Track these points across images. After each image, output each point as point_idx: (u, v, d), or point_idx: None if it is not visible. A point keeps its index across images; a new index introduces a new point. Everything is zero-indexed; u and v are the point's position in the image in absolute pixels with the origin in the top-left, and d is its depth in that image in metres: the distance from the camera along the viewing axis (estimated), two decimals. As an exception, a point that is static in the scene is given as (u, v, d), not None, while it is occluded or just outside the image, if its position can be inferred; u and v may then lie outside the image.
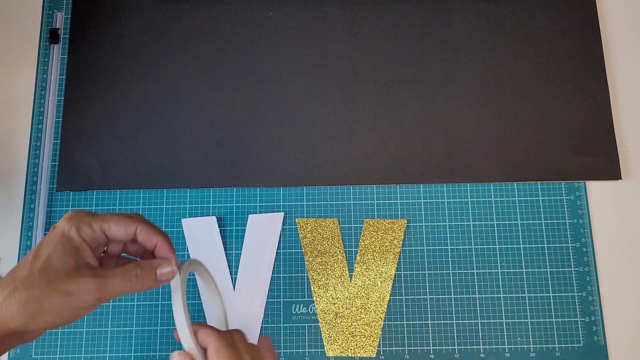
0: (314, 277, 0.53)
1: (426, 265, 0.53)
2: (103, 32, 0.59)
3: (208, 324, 0.37)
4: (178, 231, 0.54)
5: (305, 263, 0.54)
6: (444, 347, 0.52)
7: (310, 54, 0.58)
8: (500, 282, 0.53)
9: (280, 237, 0.54)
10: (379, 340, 0.52)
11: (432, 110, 0.57)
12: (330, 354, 0.52)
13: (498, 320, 0.52)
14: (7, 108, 0.58)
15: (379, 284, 0.53)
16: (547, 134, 0.56)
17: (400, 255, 0.54)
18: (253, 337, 0.52)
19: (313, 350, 0.52)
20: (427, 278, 0.53)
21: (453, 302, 0.53)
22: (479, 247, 0.54)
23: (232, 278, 0.53)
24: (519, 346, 0.51)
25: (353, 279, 0.53)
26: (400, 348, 0.52)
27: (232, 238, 0.54)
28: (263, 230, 0.54)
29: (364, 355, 0.51)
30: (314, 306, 0.53)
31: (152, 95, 0.58)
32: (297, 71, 0.58)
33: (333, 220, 0.55)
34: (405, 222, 0.54)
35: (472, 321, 0.52)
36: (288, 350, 0.52)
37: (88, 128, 0.57)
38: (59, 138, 0.57)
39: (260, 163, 0.56)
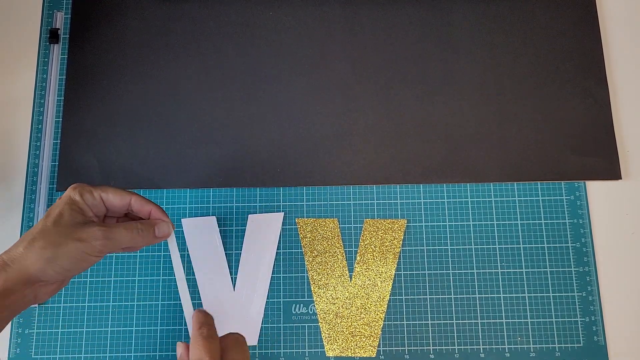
0: (314, 277, 0.53)
1: (426, 265, 0.53)
2: (103, 32, 0.59)
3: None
4: (178, 231, 0.54)
5: (305, 263, 0.54)
6: (444, 347, 0.52)
7: (310, 54, 0.58)
8: (500, 282, 0.53)
9: (280, 237, 0.54)
10: (379, 340, 0.52)
11: (432, 110, 0.57)
12: (330, 354, 0.52)
13: (498, 320, 0.52)
14: (7, 108, 0.58)
15: (379, 284, 0.53)
16: (547, 134, 0.56)
17: (400, 255, 0.54)
18: (253, 337, 0.52)
19: (313, 350, 0.52)
20: (427, 278, 0.53)
21: (453, 302, 0.53)
22: (479, 247, 0.54)
23: (232, 278, 0.53)
24: (519, 346, 0.51)
25: (353, 279, 0.53)
26: (400, 348, 0.52)
27: (232, 238, 0.54)
28: (263, 230, 0.54)
29: (364, 355, 0.51)
30: (314, 306, 0.53)
31: (152, 95, 0.58)
32: (297, 71, 0.58)
33: (333, 220, 0.55)
34: (405, 222, 0.54)
35: (472, 321, 0.52)
36: (288, 350, 0.52)
37: (88, 128, 0.57)
38: (59, 138, 0.57)
39: (260, 163, 0.56)
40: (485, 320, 0.52)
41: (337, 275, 0.53)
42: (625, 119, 0.57)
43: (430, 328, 0.52)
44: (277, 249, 0.54)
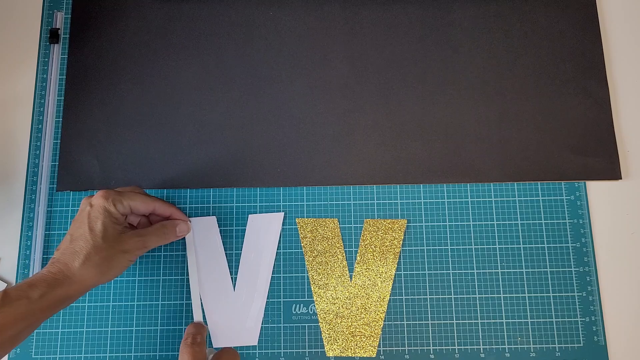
0: (314, 277, 0.53)
1: (426, 265, 0.53)
2: (103, 32, 0.59)
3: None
4: (178, 231, 0.54)
5: (305, 263, 0.54)
6: (444, 347, 0.52)
7: (310, 54, 0.58)
8: (500, 282, 0.53)
9: (280, 237, 0.54)
10: (379, 340, 0.52)
11: (432, 110, 0.57)
12: (330, 354, 0.52)
13: (498, 320, 0.52)
14: (7, 108, 0.58)
15: (379, 284, 0.53)
16: (547, 134, 0.56)
17: (400, 255, 0.54)
18: (253, 337, 0.52)
19: (313, 350, 0.52)
20: (427, 278, 0.53)
21: (453, 302, 0.53)
22: (479, 247, 0.54)
23: (232, 278, 0.53)
24: (519, 346, 0.51)
25: (353, 279, 0.53)
26: (400, 348, 0.52)
27: (232, 238, 0.54)
28: (263, 230, 0.54)
29: (364, 355, 0.51)
30: (314, 306, 0.53)
31: (152, 95, 0.58)
32: (297, 71, 0.58)
33: (333, 220, 0.55)
34: (405, 222, 0.54)
35: (472, 321, 0.52)
36: (288, 350, 0.52)
37: (88, 128, 0.57)
38: (59, 138, 0.57)
39: (260, 163, 0.56)
40: (485, 320, 0.52)
41: (337, 275, 0.53)
42: (625, 119, 0.57)
43: (430, 328, 0.52)
44: (277, 249, 0.54)
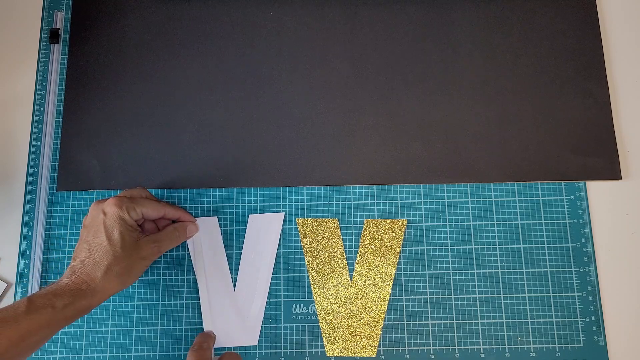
0: (314, 277, 0.53)
1: (426, 265, 0.53)
2: (103, 32, 0.59)
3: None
4: (178, 231, 0.54)
5: (305, 263, 0.54)
6: (444, 347, 0.52)
7: (310, 54, 0.58)
8: (500, 282, 0.53)
9: (280, 237, 0.54)
10: (379, 340, 0.52)
11: (432, 110, 0.57)
12: (330, 354, 0.52)
13: (498, 320, 0.52)
14: (8, 108, 0.58)
15: (379, 284, 0.53)
16: (547, 134, 0.56)
17: (400, 255, 0.54)
18: (253, 337, 0.52)
19: (313, 350, 0.52)
20: (427, 278, 0.53)
21: (453, 302, 0.53)
22: (479, 247, 0.54)
23: (232, 278, 0.53)
24: (519, 346, 0.51)
25: (353, 279, 0.53)
26: (400, 348, 0.52)
27: (232, 238, 0.54)
28: (263, 231, 0.54)
29: (364, 355, 0.51)
30: (314, 306, 0.53)
31: (152, 95, 0.58)
32: (297, 71, 0.58)
33: (333, 220, 0.55)
34: (406, 222, 0.54)
35: (472, 321, 0.52)
36: (288, 350, 0.52)
37: (88, 128, 0.57)
38: (59, 138, 0.57)
39: (260, 163, 0.56)
40: (485, 320, 0.52)
41: (337, 275, 0.53)
42: (625, 119, 0.57)
43: (430, 328, 0.52)
44: (277, 249, 0.54)
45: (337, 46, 0.59)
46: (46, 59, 0.59)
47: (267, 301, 0.53)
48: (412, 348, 0.52)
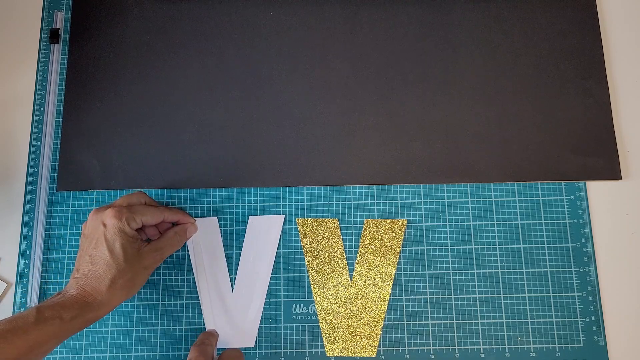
0: (314, 277, 0.53)
1: (426, 265, 0.53)
2: (103, 32, 0.59)
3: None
4: (178, 231, 0.54)
5: (305, 263, 0.54)
6: (444, 347, 0.52)
7: (310, 54, 0.58)
8: (500, 282, 0.53)
9: (280, 238, 0.54)
10: (379, 340, 0.52)
11: (432, 110, 0.57)
12: (330, 354, 0.52)
13: (498, 320, 0.52)
14: (8, 108, 0.58)
15: (379, 284, 0.53)
16: (547, 134, 0.56)
17: (400, 255, 0.54)
18: (250, 339, 0.52)
19: (313, 350, 0.52)
20: (427, 278, 0.53)
21: (453, 302, 0.53)
22: (479, 247, 0.54)
23: (231, 278, 0.53)
24: (519, 346, 0.51)
25: (353, 279, 0.53)
26: (400, 348, 0.52)
27: (232, 238, 0.54)
28: (263, 233, 0.54)
29: (364, 355, 0.51)
30: (314, 306, 0.53)
31: (152, 95, 0.58)
32: (297, 71, 0.58)
33: (333, 220, 0.55)
34: (406, 222, 0.54)
35: (472, 321, 0.52)
36: (288, 350, 0.52)
37: (88, 128, 0.57)
38: (59, 138, 0.57)
39: (260, 163, 0.56)
40: (485, 320, 0.52)
41: (337, 275, 0.53)
42: (625, 119, 0.57)
43: (430, 328, 0.52)
44: (277, 249, 0.54)
45: (337, 46, 0.59)
46: (46, 59, 0.59)
47: (267, 301, 0.53)
48: (412, 348, 0.52)
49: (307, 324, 0.52)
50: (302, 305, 0.53)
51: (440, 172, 0.55)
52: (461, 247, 0.54)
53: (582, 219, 0.54)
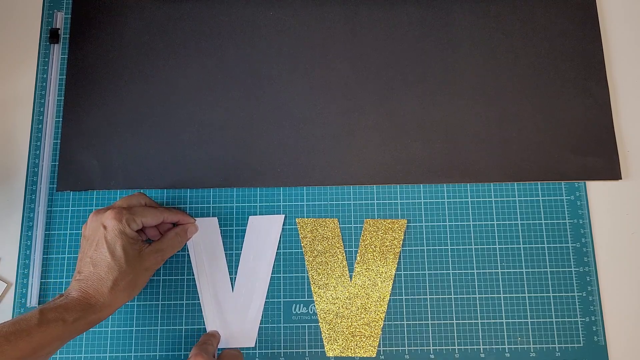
0: (314, 277, 0.53)
1: (426, 265, 0.53)
2: (103, 32, 0.59)
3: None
4: (178, 231, 0.54)
5: (305, 263, 0.54)
6: (444, 347, 0.52)
7: (310, 54, 0.58)
8: (500, 282, 0.53)
9: (280, 238, 0.54)
10: (379, 340, 0.52)
11: (432, 110, 0.57)
12: (330, 354, 0.52)
13: (498, 320, 0.52)
14: (7, 108, 0.58)
15: (379, 284, 0.53)
16: (547, 134, 0.56)
17: (400, 255, 0.54)
18: (250, 339, 0.52)
19: (313, 350, 0.52)
20: (427, 278, 0.53)
21: (453, 302, 0.53)
22: (479, 247, 0.54)
23: (231, 278, 0.53)
24: (519, 346, 0.51)
25: (353, 279, 0.53)
26: (400, 348, 0.52)
27: (232, 238, 0.54)
28: (263, 232, 0.54)
29: (364, 355, 0.51)
30: (314, 306, 0.53)
31: (152, 95, 0.58)
32: (297, 71, 0.58)
33: (333, 220, 0.55)
34: (406, 222, 0.54)
35: (472, 321, 0.52)
36: (288, 350, 0.52)
37: (88, 128, 0.57)
38: (59, 138, 0.57)
39: (260, 163, 0.56)
40: (485, 320, 0.52)
41: (337, 275, 0.53)
42: (625, 119, 0.57)
43: (430, 328, 0.52)
44: (277, 249, 0.54)
45: (337, 46, 0.59)
46: (46, 59, 0.59)
47: (267, 301, 0.53)
48: (412, 348, 0.52)
49: (307, 324, 0.52)
50: (302, 305, 0.53)
51: (440, 172, 0.55)
52: (461, 247, 0.54)
53: (582, 219, 0.54)
